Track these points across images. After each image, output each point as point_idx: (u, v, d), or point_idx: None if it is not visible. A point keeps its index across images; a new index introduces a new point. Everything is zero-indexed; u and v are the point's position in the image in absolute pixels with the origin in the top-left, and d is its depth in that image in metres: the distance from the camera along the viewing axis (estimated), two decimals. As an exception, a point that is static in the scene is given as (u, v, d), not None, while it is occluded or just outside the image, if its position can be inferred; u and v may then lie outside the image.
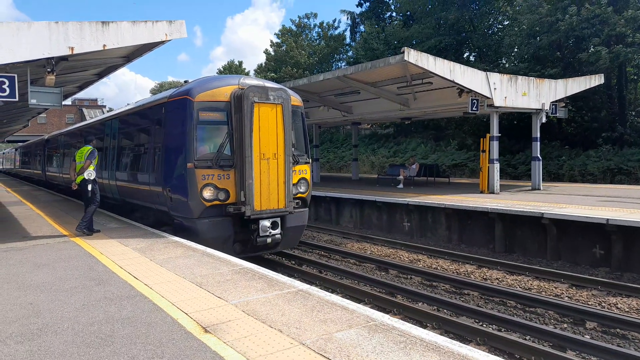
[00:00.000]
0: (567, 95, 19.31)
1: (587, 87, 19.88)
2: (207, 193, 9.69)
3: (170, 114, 10.62)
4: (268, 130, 9.85)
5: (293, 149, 10.54)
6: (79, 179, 10.13)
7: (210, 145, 10.10)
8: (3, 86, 8.76)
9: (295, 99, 11.19)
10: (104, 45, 9.01)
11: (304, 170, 11.24)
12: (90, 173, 10.07)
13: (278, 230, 10.25)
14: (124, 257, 7.89)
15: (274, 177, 9.96)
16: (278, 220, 10.23)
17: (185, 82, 11.51)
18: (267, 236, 10.06)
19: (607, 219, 10.82)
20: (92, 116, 55.68)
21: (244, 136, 9.57)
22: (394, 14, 44.21)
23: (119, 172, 13.99)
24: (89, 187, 10.11)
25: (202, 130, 9.97)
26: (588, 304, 8.66)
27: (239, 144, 9.75)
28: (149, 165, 11.63)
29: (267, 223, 9.99)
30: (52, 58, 8.97)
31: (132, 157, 13.33)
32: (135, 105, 13.98)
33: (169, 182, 10.36)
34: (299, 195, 11.01)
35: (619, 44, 22.91)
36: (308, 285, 6.12)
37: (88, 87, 16.23)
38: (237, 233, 10.11)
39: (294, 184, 10.61)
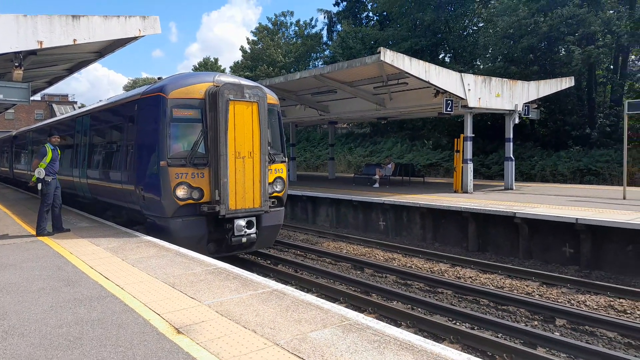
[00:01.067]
0: (540, 96, 19.71)
1: (559, 89, 20.33)
2: (181, 192, 9.52)
3: (143, 111, 10.40)
4: (243, 128, 9.73)
5: (269, 147, 10.43)
6: (33, 179, 9.84)
7: (184, 143, 9.92)
8: (-32, 80, 8.48)
9: (272, 97, 11.06)
10: (75, 40, 8.81)
11: (280, 169, 11.12)
12: (39, 172, 9.63)
13: (253, 230, 10.14)
14: (95, 257, 7.72)
15: (249, 176, 9.84)
16: (253, 219, 10.12)
17: (159, 78, 11.33)
18: (242, 235, 9.94)
19: (577, 219, 11.07)
20: (62, 112, 54.35)
21: (219, 134, 9.44)
22: (370, 14, 44.46)
23: (90, 170, 13.70)
24: (39, 187, 9.73)
25: (175, 127, 9.77)
26: (558, 302, 8.85)
27: (214, 142, 9.61)
28: (121, 163, 11.39)
29: (242, 222, 9.86)
30: (20, 52, 8.73)
31: (104, 155, 13.04)
32: (107, 102, 13.70)
33: (141, 181, 10.14)
34: (274, 194, 10.90)
35: (591, 44, 23.54)
36: (283, 285, 6.09)
37: (58, 82, 15.89)
38: (211, 232, 9.97)
39: (270, 183, 10.52)
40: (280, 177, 11.10)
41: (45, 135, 19.30)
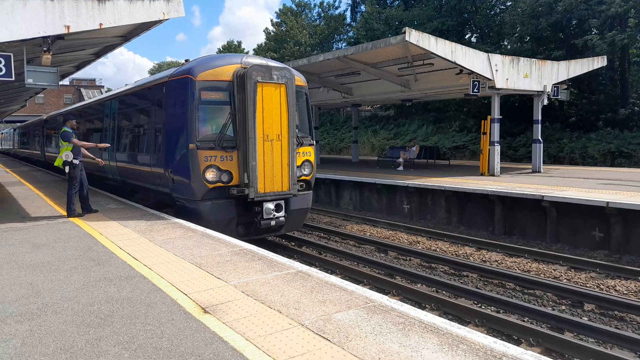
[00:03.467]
0: (570, 77, 19.16)
1: (590, 69, 19.71)
2: (210, 175, 9.51)
3: (171, 94, 10.36)
4: (272, 110, 9.61)
5: (297, 130, 10.29)
6: (57, 162, 10.02)
7: (212, 126, 9.88)
8: (-1, 65, 8.65)
9: (300, 79, 10.86)
10: (101, 24, 8.87)
11: (308, 152, 10.98)
12: (67, 155, 9.81)
13: (282, 213, 10.09)
14: (123, 237, 7.88)
15: (278, 159, 9.75)
16: (282, 202, 10.06)
17: (186, 61, 11.26)
18: (271, 219, 9.89)
19: (607, 202, 10.80)
20: (90, 96, 55.30)
21: (247, 117, 9.34)
22: (395, -7, 43.58)
23: (119, 153, 13.78)
24: (66, 170, 9.91)
25: (204, 110, 9.73)
26: (586, 286, 8.69)
27: (242, 124, 9.52)
28: (150, 146, 11.42)
29: (270, 206, 9.81)
30: (48, 37, 8.83)
31: (132, 138, 13.08)
32: (135, 85, 13.73)
33: (170, 164, 10.16)
34: (302, 177, 10.77)
35: (618, 26, 22.62)
36: (307, 267, 6.13)
37: (85, 66, 16.05)
38: (240, 215, 9.95)
39: (297, 166, 10.41)
40: (308, 160, 10.96)
41: (75, 119, 19.63)
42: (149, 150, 11.48)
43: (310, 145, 11.09)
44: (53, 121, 25.43)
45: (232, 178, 9.72)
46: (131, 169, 12.77)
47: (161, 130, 10.68)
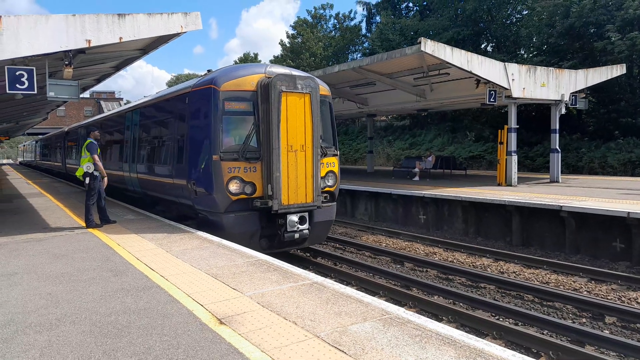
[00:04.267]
0: (588, 85, 18.96)
1: (609, 77, 19.48)
2: (233, 186, 9.40)
3: (194, 104, 10.29)
4: (296, 120, 9.49)
5: (321, 140, 10.16)
6: (79, 172, 10.16)
7: (236, 136, 9.78)
8: (22, 79, 8.86)
9: (324, 88, 10.74)
10: (121, 38, 9.05)
11: (332, 163, 10.78)
12: (88, 166, 9.99)
13: (306, 226, 9.92)
14: (141, 248, 7.96)
15: (302, 170, 9.62)
16: (306, 215, 9.89)
17: (209, 71, 11.28)
18: (295, 231, 9.74)
19: (628, 212, 10.61)
20: (109, 109, 56.26)
21: (271, 127, 9.22)
22: (410, 4, 43.76)
23: (140, 164, 13.75)
24: (86, 181, 10.05)
25: (227, 121, 9.62)
26: (607, 299, 8.52)
27: (266, 135, 9.40)
28: (172, 158, 11.31)
29: (294, 218, 9.66)
30: (70, 51, 9.04)
31: (154, 149, 13.00)
32: (156, 96, 13.68)
33: (193, 175, 10.03)
34: (326, 189, 10.55)
35: (637, 30, 22.32)
36: (323, 278, 6.11)
37: (105, 79, 16.36)
38: (263, 228, 9.80)
39: (321, 177, 10.25)
40: (332, 171, 10.77)
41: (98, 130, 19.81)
42: (170, 162, 11.37)
43: (334, 155, 10.90)
44: (74, 133, 25.87)
45: (256, 190, 9.60)
46: (152, 181, 12.70)
47: (183, 141, 10.59)
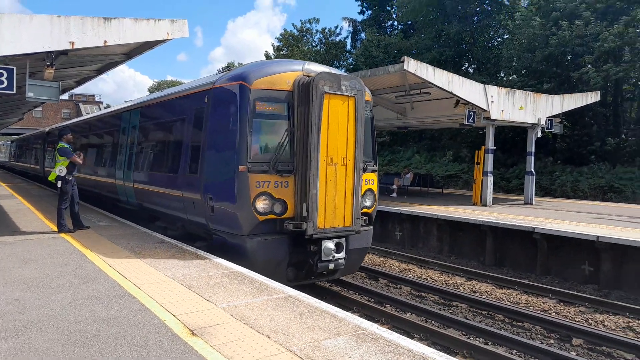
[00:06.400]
0: (564, 110, 19.46)
1: (584, 103, 20.04)
2: (262, 204, 7.92)
3: (216, 104, 8.79)
4: (338, 128, 8.07)
5: None
6: (51, 176, 9.92)
7: (266, 144, 8.40)
8: (1, 78, 8.71)
9: (367, 93, 9.20)
10: (105, 41, 8.98)
11: (371, 180, 9.29)
12: (60, 170, 9.70)
13: (342, 254, 8.41)
14: (114, 255, 7.84)
15: (341, 187, 8.15)
16: (343, 241, 8.41)
17: (225, 68, 9.67)
18: (330, 261, 8.25)
19: (598, 236, 10.88)
20: (88, 112, 55.38)
21: (310, 135, 7.78)
22: (395, 23, 44.48)
23: (137, 172, 12.06)
24: (58, 184, 9.80)
25: (258, 125, 8.19)
26: (575, 321, 8.70)
27: (302, 144, 7.98)
28: (182, 166, 9.72)
29: (330, 245, 8.16)
30: (53, 52, 8.93)
31: (157, 156, 11.46)
32: (163, 94, 12.02)
33: (210, 188, 8.54)
34: (364, 210, 8.97)
35: (613, 61, 23.11)
36: (297, 292, 6.12)
37: (87, 82, 16.17)
38: (291, 255, 8.33)
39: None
40: (371, 190, 9.25)
41: (84, 132, 18.91)
42: (181, 171, 9.75)
43: (374, 171, 9.43)
44: (56, 134, 24.88)
45: (287, 209, 8.12)
46: (153, 192, 11.07)
47: (199, 147, 9.07)
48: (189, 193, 9.22)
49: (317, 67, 8.83)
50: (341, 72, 9.26)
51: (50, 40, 8.48)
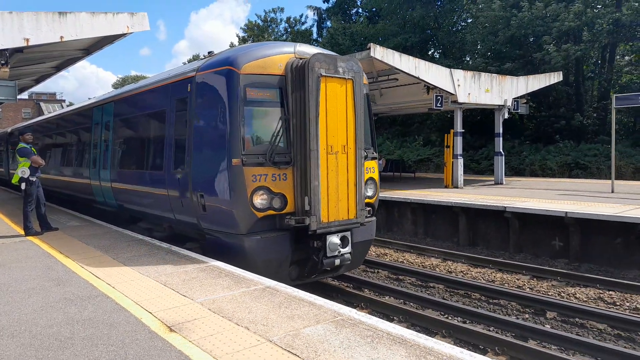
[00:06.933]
0: (528, 91, 19.88)
1: (547, 84, 20.50)
2: (260, 199, 7.34)
3: (202, 92, 8.11)
4: (336, 113, 7.53)
5: None
6: (14, 179, 9.62)
7: (260, 135, 7.81)
8: (-47, 79, 8.37)
9: (363, 75, 8.58)
10: (62, 37, 8.71)
11: (372, 168, 8.84)
12: (23, 171, 9.40)
13: (348, 249, 7.90)
14: (86, 256, 7.65)
15: (343, 177, 7.63)
16: (348, 234, 7.89)
17: (210, 53, 9.05)
18: (336, 256, 7.71)
19: (566, 212, 11.17)
20: (50, 110, 53.73)
21: (308, 122, 7.23)
22: (360, 10, 44.50)
23: (115, 170, 11.33)
24: (22, 186, 9.52)
25: (250, 114, 7.58)
26: (548, 295, 8.93)
27: (299, 132, 7.43)
28: (166, 163, 9.01)
29: (336, 239, 7.61)
30: (6, 50, 8.62)
31: (136, 152, 10.76)
32: (139, 85, 11.16)
33: (201, 185, 7.91)
34: (366, 200, 8.40)
35: (573, 41, 23.69)
36: (275, 282, 6.08)
37: (46, 80, 15.72)
38: (293, 252, 7.77)
39: None
40: (372, 179, 8.79)
41: (54, 130, 18.16)
42: (166, 167, 9.05)
43: (374, 159, 9.00)
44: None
45: (286, 204, 7.55)
46: (134, 192, 10.34)
47: (184, 141, 8.41)
48: (176, 191, 8.60)
49: (309, 49, 8.26)
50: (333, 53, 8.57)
51: (3, 37, 8.17)
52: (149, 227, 10.56)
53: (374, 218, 8.83)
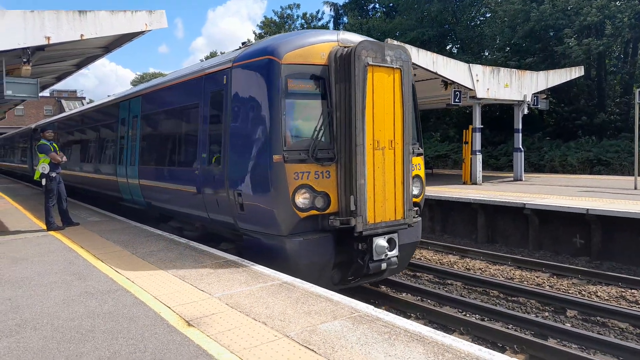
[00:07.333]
0: (548, 87, 19.54)
1: (568, 78, 20.13)
2: (302, 199, 6.88)
3: (239, 84, 7.65)
4: (384, 106, 7.00)
5: None
6: (36, 175, 9.86)
7: (302, 129, 7.29)
8: (-23, 77, 8.54)
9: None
10: (82, 35, 8.80)
11: (418, 165, 8.24)
12: (43, 167, 9.60)
13: (395, 252, 7.37)
14: (106, 250, 7.77)
15: (390, 175, 7.11)
16: (395, 236, 7.35)
17: (244, 44, 8.50)
18: (383, 260, 7.19)
19: (587, 209, 10.98)
20: (71, 108, 54.57)
21: (354, 115, 6.73)
22: (377, 5, 44.21)
23: (143, 167, 10.96)
24: (43, 182, 9.72)
25: (291, 106, 7.09)
26: (569, 293, 8.79)
27: (344, 126, 6.94)
28: (200, 159, 8.56)
29: (382, 242, 7.08)
30: (28, 48, 8.74)
31: (167, 148, 10.34)
32: (169, 78, 10.67)
33: (238, 183, 7.48)
34: (412, 199, 7.76)
35: (595, 35, 23.21)
36: (292, 278, 6.09)
37: (66, 78, 15.92)
38: (336, 255, 7.28)
39: None
40: (418, 176, 8.19)
41: (79, 126, 18.32)
42: (197, 164, 8.66)
43: (420, 155, 8.41)
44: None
45: (330, 203, 7.08)
46: (164, 189, 9.99)
47: (220, 136, 7.95)
48: (210, 189, 8.20)
49: (353, 37, 7.70)
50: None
51: (25, 36, 8.28)
52: (179, 226, 10.27)
53: (420, 218, 8.20)
